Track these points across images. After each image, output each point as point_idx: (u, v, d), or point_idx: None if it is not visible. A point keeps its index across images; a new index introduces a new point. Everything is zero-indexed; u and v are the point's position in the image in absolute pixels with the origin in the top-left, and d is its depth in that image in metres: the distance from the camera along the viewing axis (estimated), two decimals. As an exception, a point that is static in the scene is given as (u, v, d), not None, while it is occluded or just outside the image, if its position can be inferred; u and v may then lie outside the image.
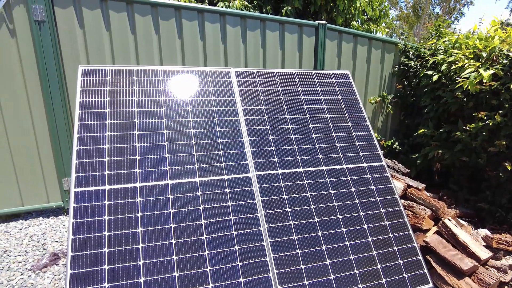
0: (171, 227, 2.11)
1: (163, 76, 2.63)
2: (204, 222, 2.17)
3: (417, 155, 4.34)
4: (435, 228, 2.91)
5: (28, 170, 3.44)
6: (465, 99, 3.77)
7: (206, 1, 6.60)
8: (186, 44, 3.82)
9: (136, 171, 2.23)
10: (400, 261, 2.37)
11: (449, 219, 2.83)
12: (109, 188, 2.14)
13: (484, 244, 2.90)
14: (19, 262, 2.80)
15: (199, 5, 3.77)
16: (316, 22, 4.37)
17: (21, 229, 3.32)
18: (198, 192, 2.26)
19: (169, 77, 2.63)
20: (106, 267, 1.93)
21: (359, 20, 7.56)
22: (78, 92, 2.38)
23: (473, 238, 2.75)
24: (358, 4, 6.44)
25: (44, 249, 3.00)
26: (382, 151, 4.62)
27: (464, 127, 3.71)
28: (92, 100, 2.39)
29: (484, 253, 2.60)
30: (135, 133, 2.35)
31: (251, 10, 6.61)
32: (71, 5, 3.28)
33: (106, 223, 2.04)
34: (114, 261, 1.95)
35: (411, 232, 2.51)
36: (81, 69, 2.49)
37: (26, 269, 2.72)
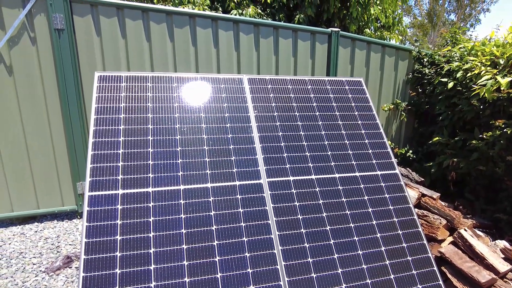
0: (182, 232, 2.12)
1: (177, 83, 2.66)
2: (215, 228, 2.17)
3: (431, 163, 4.26)
4: (450, 239, 2.84)
5: (45, 173, 3.53)
6: (481, 106, 3.69)
7: (220, 9, 6.70)
8: (200, 51, 3.87)
9: (149, 176, 2.26)
10: (414, 272, 2.32)
11: (465, 230, 2.76)
12: (122, 193, 2.17)
13: (503, 256, 2.81)
14: (34, 264, 2.85)
15: (213, 13, 3.83)
16: (329, 29, 4.37)
17: (36, 232, 3.38)
18: (210, 198, 2.26)
19: (183, 83, 2.67)
20: (117, 271, 1.94)
21: (372, 27, 7.54)
22: (94, 98, 2.44)
23: (490, 249, 2.67)
24: (371, 12, 6.42)
25: (58, 251, 3.05)
26: (396, 159, 4.55)
27: (480, 135, 3.63)
28: (107, 106, 2.44)
29: (503, 266, 2.51)
30: (149, 139, 2.38)
31: (264, 17, 6.67)
32: (89, 13, 3.38)
33: (119, 227, 2.06)
34: (126, 265, 1.96)
35: (425, 242, 2.46)
36: (97, 76, 2.55)
37: (40, 271, 2.77)
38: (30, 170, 3.47)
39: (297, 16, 6.62)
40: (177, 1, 6.00)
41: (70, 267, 2.83)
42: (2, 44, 3.14)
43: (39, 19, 3.24)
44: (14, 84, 3.28)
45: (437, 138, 4.16)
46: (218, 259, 2.08)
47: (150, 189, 2.22)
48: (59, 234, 3.36)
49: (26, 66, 3.29)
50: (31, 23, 3.23)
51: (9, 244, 3.15)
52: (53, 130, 3.48)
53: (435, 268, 2.36)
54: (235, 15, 6.24)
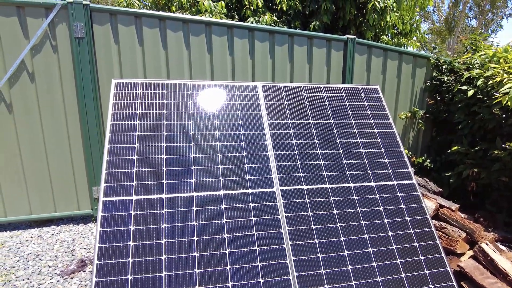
0: (194, 239, 2.11)
1: (192, 90, 2.69)
2: (227, 236, 2.16)
3: (450, 173, 4.14)
4: (470, 253, 2.73)
5: (62, 178, 3.61)
6: (504, 115, 3.57)
7: (236, 17, 6.77)
8: (215, 59, 3.90)
9: (163, 183, 2.27)
10: (432, 286, 2.23)
11: (486, 243, 2.65)
12: (136, 199, 2.19)
13: (527, 272, 2.68)
14: (50, 267, 2.90)
15: (228, 21, 3.86)
16: (345, 36, 4.34)
17: (53, 235, 3.45)
18: (222, 205, 2.26)
19: (198, 91, 2.69)
20: (129, 277, 1.95)
21: (389, 34, 7.44)
22: (110, 105, 2.48)
23: (514, 265, 2.55)
24: (388, 19, 6.35)
25: (72, 255, 3.10)
26: (413, 168, 4.45)
27: (503, 145, 3.50)
28: (123, 112, 2.48)
29: (527, 283, 2.39)
30: (163, 145, 2.40)
31: (280, 25, 6.69)
32: (108, 22, 3.46)
33: (132, 233, 2.08)
34: (138, 272, 1.97)
35: (443, 255, 2.37)
36: (114, 82, 2.60)
37: (56, 274, 2.81)
38: (49, 174, 3.55)
39: (312, 23, 6.61)
40: (194, 10, 6.10)
41: (84, 271, 2.86)
42: (26, 52, 3.25)
43: (60, 28, 3.34)
44: (36, 91, 3.39)
45: (456, 147, 4.04)
46: (230, 268, 2.06)
47: (163, 196, 2.23)
48: (74, 237, 3.41)
49: (47, 73, 3.39)
50: (53, 32, 3.34)
51: (27, 246, 3.22)
52: (71, 136, 3.56)
53: (454, 283, 2.27)
54: (252, 22, 6.29)
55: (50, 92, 3.43)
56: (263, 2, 6.46)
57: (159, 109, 2.54)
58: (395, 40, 7.76)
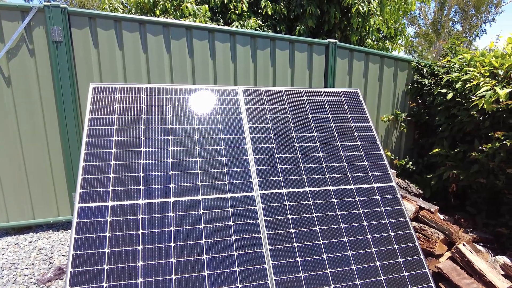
0: (171, 245, 2.09)
1: (171, 94, 2.67)
2: (205, 242, 2.14)
3: (431, 175, 4.20)
4: (448, 254, 2.77)
5: (41, 184, 3.53)
6: (481, 118, 3.64)
7: (221, 21, 6.77)
8: (196, 63, 3.89)
9: (140, 188, 2.24)
10: (410, 288, 2.25)
11: (463, 244, 2.69)
12: (112, 205, 2.16)
13: (503, 273, 2.72)
14: (25, 275, 2.83)
15: (209, 25, 3.86)
16: (327, 40, 4.37)
17: (30, 242, 3.37)
18: (200, 211, 2.24)
19: (177, 95, 2.67)
20: (104, 284, 1.92)
21: (374, 37, 7.54)
22: (87, 109, 2.45)
23: (490, 266, 2.59)
24: (371, 22, 6.43)
25: (50, 262, 3.03)
26: (395, 171, 4.49)
27: (480, 147, 3.57)
28: (101, 117, 2.45)
29: (502, 283, 2.44)
30: (141, 150, 2.38)
31: (265, 29, 6.72)
32: (87, 26, 3.42)
33: (108, 239, 2.05)
34: (113, 279, 1.94)
35: (422, 257, 2.39)
36: (92, 87, 2.56)
37: (31, 282, 2.74)
38: (27, 180, 3.48)
39: (297, 28, 6.65)
40: (178, 14, 6.07)
41: (61, 279, 2.80)
42: (1, 56, 3.18)
43: (37, 32, 3.29)
44: (12, 95, 3.32)
45: (437, 149, 4.10)
46: (207, 273, 2.04)
47: (140, 201, 2.20)
48: (53, 244, 3.34)
49: (24, 77, 3.32)
50: (30, 35, 3.28)
51: (3, 254, 3.13)
52: (49, 141, 3.50)
53: (432, 284, 2.30)
54: (237, 26, 6.29)
55: (27, 97, 3.36)
56: (248, 6, 6.47)
57: (137, 113, 2.52)
58: (380, 43, 7.87)
